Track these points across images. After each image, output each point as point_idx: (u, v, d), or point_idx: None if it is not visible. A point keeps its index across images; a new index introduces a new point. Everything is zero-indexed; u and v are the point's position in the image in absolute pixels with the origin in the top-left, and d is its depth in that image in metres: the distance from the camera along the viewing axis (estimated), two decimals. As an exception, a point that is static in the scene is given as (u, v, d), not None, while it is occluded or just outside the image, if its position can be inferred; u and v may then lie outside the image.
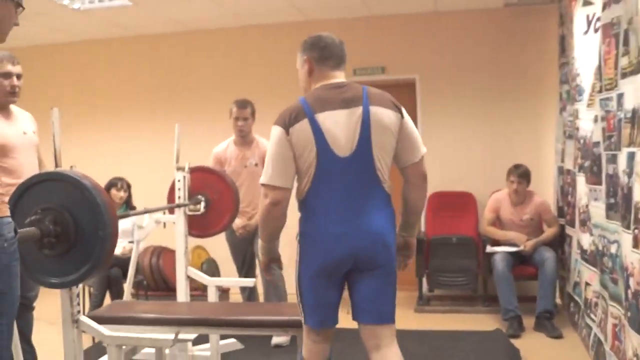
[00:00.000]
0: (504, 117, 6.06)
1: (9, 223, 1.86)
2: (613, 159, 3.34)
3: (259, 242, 2.84)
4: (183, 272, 4.22)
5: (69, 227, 2.40)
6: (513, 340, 4.52)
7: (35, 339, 5.11)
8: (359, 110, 2.60)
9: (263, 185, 2.66)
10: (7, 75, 3.36)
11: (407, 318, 5.33)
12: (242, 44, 6.69)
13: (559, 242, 5.30)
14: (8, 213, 1.88)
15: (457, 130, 6.16)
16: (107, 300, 5.15)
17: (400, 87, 6.39)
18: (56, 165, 2.68)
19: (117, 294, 5.08)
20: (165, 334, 2.97)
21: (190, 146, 6.13)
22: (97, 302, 5.04)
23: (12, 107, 3.48)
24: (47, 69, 7.09)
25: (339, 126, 2.59)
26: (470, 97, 6.13)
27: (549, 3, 5.65)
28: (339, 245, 2.60)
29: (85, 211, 2.40)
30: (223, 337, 4.31)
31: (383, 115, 2.62)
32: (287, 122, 2.63)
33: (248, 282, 4.49)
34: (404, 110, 2.69)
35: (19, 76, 3.42)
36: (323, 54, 2.73)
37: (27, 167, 3.26)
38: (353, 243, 2.60)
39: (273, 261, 2.85)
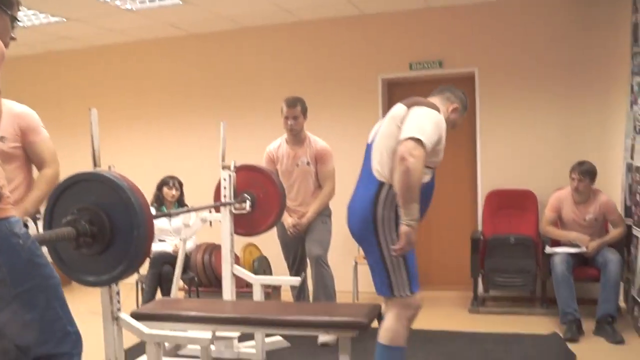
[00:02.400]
0: (569, 111, 5.94)
1: (17, 221, 1.97)
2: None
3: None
4: (229, 270, 4.37)
5: (105, 227, 2.54)
6: (570, 345, 4.46)
7: (80, 329, 5.40)
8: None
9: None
10: None
11: (460, 319, 5.35)
12: (292, 41, 6.81)
13: (625, 244, 5.18)
14: (14, 212, 1.98)
15: (518, 125, 6.08)
16: (159, 296, 5.37)
17: (458, 81, 6.32)
18: (94, 166, 2.84)
19: (168, 290, 5.28)
20: (205, 332, 3.11)
21: (239, 144, 6.34)
22: (148, 299, 5.26)
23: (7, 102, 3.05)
24: (96, 70, 7.43)
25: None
26: (533, 90, 6.03)
27: (622, -12, 5.49)
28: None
29: (121, 211, 2.54)
30: (269, 335, 4.45)
31: (395, 108, 3.15)
32: None
33: (294, 280, 4.60)
34: (417, 106, 3.05)
35: None
36: None
37: None
38: (348, 219, 3.18)
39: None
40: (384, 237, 3.01)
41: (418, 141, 2.83)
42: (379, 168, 3.03)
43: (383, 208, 3.00)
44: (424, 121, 2.95)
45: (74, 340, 2.08)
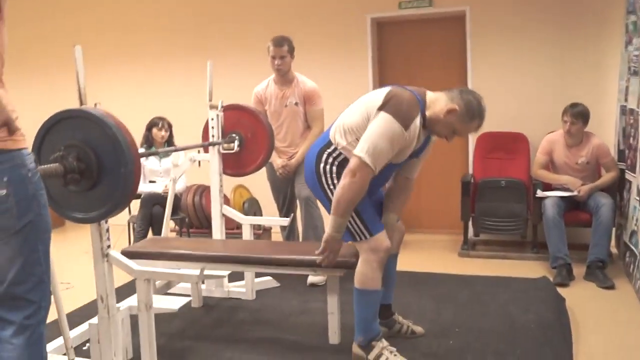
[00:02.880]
0: (562, 52, 5.88)
1: (29, 154, 2.01)
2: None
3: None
4: (218, 210, 4.40)
5: (92, 164, 2.57)
6: (560, 289, 4.50)
7: (70, 267, 5.50)
8: None
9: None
10: None
11: (451, 262, 5.42)
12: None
13: (618, 188, 5.22)
14: (27, 145, 2.02)
15: (510, 66, 6.02)
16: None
17: (448, 20, 6.30)
18: (80, 103, 2.82)
19: (159, 231, 5.32)
20: (194, 270, 3.15)
21: (227, 84, 6.31)
22: (140, 239, 5.30)
23: None
24: (84, 8, 7.35)
25: None
26: (525, 30, 5.96)
27: None
28: None
29: (108, 148, 2.56)
30: (259, 275, 4.52)
31: (374, 96, 3.11)
32: None
33: (282, 221, 4.64)
34: (384, 112, 2.97)
35: None
36: None
37: None
38: None
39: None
40: (329, 188, 3.17)
41: (363, 162, 2.94)
42: (332, 130, 3.19)
43: (325, 163, 3.17)
44: (378, 140, 2.94)
45: (45, 292, 2.09)
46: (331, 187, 3.15)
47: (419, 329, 3.61)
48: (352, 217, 3.09)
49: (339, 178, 3.06)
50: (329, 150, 3.18)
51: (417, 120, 3.00)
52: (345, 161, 3.08)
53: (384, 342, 3.20)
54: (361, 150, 2.95)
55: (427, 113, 3.07)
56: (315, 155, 3.22)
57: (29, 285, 2.01)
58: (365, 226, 3.12)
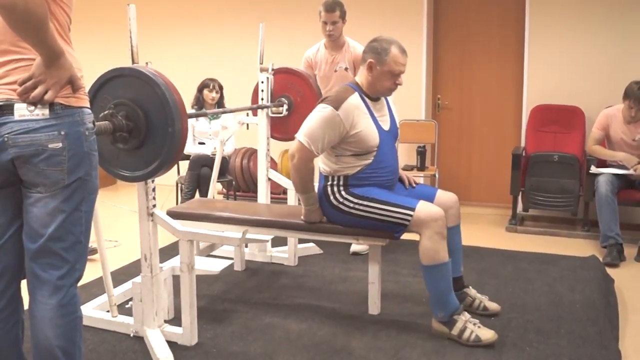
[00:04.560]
0: (627, 24, 5.64)
1: (89, 114, 2.07)
2: None
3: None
4: (264, 174, 4.43)
5: (141, 123, 2.61)
6: (609, 270, 4.41)
7: (118, 225, 5.65)
8: None
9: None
10: None
11: (497, 237, 5.35)
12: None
13: (675, 167, 5.05)
14: (88, 104, 2.08)
15: (568, 38, 5.82)
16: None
17: (509, -14, 6.15)
18: (132, 62, 2.84)
19: (206, 192, 5.39)
20: (238, 233, 3.18)
21: (278, 48, 6.28)
22: (187, 200, 5.38)
23: None
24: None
25: None
26: (586, 1, 5.75)
27: None
28: None
29: (157, 107, 2.59)
30: (302, 241, 4.54)
31: None
32: None
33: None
34: (320, 101, 3.35)
35: None
36: None
37: None
38: None
39: None
40: (354, 209, 3.30)
41: (300, 143, 3.23)
42: (319, 168, 3.47)
43: (333, 195, 3.35)
44: (312, 123, 3.24)
45: (81, 254, 2.12)
46: (353, 208, 3.28)
47: (494, 305, 3.54)
48: (384, 210, 3.20)
49: (351, 194, 3.28)
50: (329, 184, 3.37)
51: (354, 98, 3.26)
52: (346, 178, 3.31)
53: (466, 315, 3.20)
54: (298, 134, 3.27)
55: (364, 86, 3.34)
56: (322, 196, 3.40)
57: (66, 243, 2.04)
58: (400, 208, 3.17)
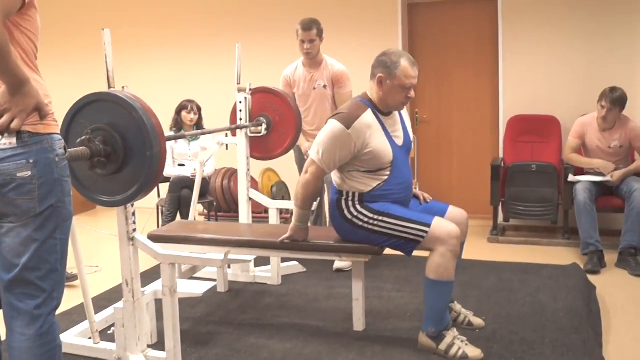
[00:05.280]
0: (596, 33, 5.75)
1: (59, 140, 2.05)
2: None
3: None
4: (245, 194, 4.43)
5: (118, 147, 2.60)
6: (591, 277, 4.46)
7: (99, 250, 5.61)
8: None
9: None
10: None
11: (479, 248, 5.38)
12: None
13: (652, 173, 5.12)
14: (58, 130, 2.06)
15: (543, 48, 5.91)
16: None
17: (480, 2, 6.24)
18: (108, 87, 2.84)
19: (187, 214, 5.37)
20: (220, 255, 3.17)
21: (256, 67, 6.30)
22: (168, 222, 5.35)
23: None
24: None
25: None
26: (557, 11, 5.84)
27: None
28: None
29: (134, 132, 2.59)
30: (285, 260, 4.54)
31: None
32: None
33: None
34: (331, 117, 3.32)
35: None
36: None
37: None
38: None
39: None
40: (368, 224, 3.26)
41: (312, 160, 3.27)
42: (334, 182, 3.44)
43: (347, 208, 3.32)
44: (324, 141, 3.23)
45: (58, 282, 2.09)
46: (367, 223, 3.24)
47: (478, 321, 3.54)
48: (399, 225, 3.17)
49: (366, 208, 3.25)
50: (343, 198, 3.33)
51: (367, 115, 3.23)
52: (361, 195, 3.27)
53: (455, 332, 3.20)
54: (311, 151, 3.31)
55: (375, 102, 3.30)
56: (335, 209, 3.37)
57: (42, 272, 2.02)
58: (416, 224, 3.15)
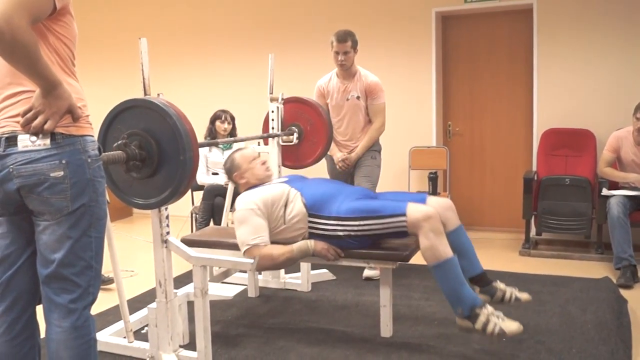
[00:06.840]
0: (632, 46, 5.74)
1: (92, 141, 2.14)
2: None
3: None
4: (276, 202, 4.50)
5: (153, 152, 2.70)
6: (623, 291, 4.43)
7: (135, 256, 5.75)
8: None
9: None
10: None
11: (510, 261, 5.39)
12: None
13: (688, 188, 5.08)
14: (92, 132, 2.15)
15: (577, 62, 5.92)
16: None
17: (515, 14, 6.26)
18: (145, 94, 2.97)
19: (220, 221, 5.48)
20: (250, 259, 3.26)
21: (289, 78, 6.41)
22: (201, 229, 5.47)
23: None
24: (149, 2, 7.57)
25: None
26: (594, 24, 5.85)
27: None
28: None
29: (168, 137, 2.69)
30: (315, 267, 4.61)
31: None
32: None
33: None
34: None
35: None
36: None
37: None
38: None
39: None
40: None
41: (249, 251, 3.42)
42: None
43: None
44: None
45: (94, 277, 2.18)
46: (351, 231, 3.37)
47: (524, 295, 3.53)
48: (379, 223, 3.29)
49: (337, 219, 3.40)
50: (309, 227, 3.53)
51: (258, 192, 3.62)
52: (311, 213, 3.49)
53: (489, 308, 3.17)
54: (241, 246, 3.45)
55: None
56: (317, 237, 3.49)
57: (77, 268, 2.11)
58: (393, 217, 3.26)
